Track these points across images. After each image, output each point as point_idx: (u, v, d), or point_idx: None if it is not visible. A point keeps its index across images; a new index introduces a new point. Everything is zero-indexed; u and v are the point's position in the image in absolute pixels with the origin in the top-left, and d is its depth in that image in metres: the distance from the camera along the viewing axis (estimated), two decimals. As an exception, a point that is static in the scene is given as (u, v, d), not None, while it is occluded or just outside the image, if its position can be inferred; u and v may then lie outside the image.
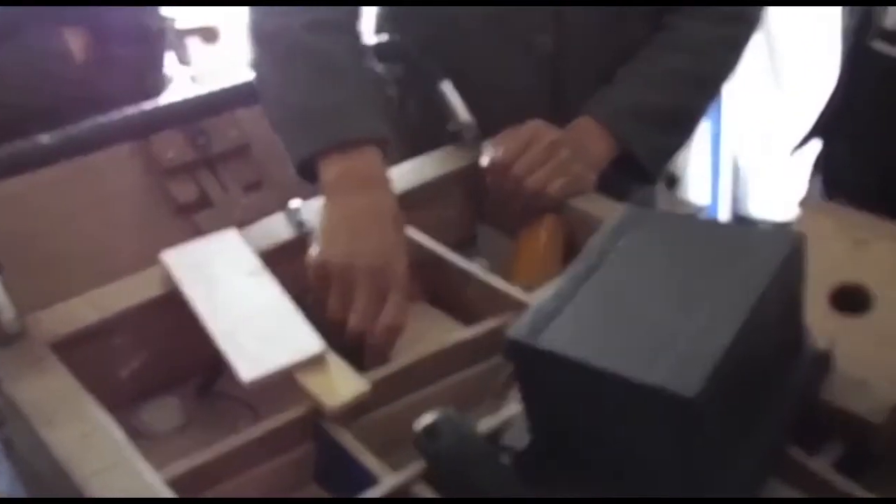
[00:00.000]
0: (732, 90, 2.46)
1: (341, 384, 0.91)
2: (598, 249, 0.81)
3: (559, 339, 0.73)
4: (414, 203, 1.15)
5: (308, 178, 1.11)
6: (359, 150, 1.06)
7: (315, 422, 0.91)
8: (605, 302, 0.76)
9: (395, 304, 0.99)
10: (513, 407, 0.86)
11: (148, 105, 1.24)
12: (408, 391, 0.96)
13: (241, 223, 1.12)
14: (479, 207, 1.26)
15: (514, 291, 1.03)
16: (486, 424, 0.86)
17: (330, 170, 1.05)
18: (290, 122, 1.10)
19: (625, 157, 1.23)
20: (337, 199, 1.05)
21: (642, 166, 1.24)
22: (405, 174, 1.21)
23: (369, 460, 0.87)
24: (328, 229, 1.03)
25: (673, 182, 2.74)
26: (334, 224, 1.03)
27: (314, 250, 1.01)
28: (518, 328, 0.75)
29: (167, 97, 1.33)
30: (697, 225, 0.87)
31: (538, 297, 0.90)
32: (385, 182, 1.06)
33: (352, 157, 1.05)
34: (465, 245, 1.22)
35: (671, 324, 0.71)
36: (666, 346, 0.69)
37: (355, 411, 0.92)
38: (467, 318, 1.06)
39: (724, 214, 2.80)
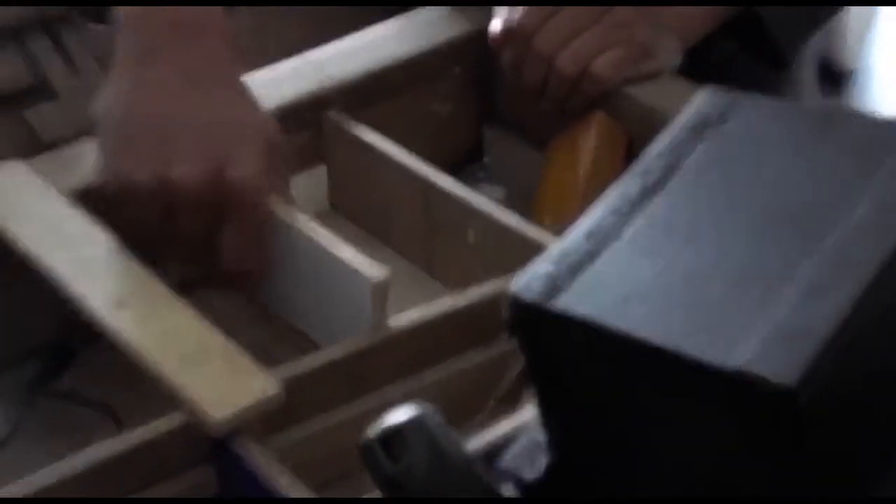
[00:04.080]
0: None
1: (229, 382, 0.72)
2: (661, 160, 0.68)
3: (591, 302, 0.61)
4: (385, 93, 0.97)
5: None
6: None
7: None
8: (664, 244, 0.65)
9: (240, 227, 0.79)
10: (525, 413, 0.71)
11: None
12: (355, 393, 0.78)
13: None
14: (489, 101, 1.06)
15: (544, 236, 0.85)
16: (480, 439, 0.70)
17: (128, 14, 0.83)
18: None
19: (747, 25, 0.96)
20: (131, 63, 0.81)
21: (769, 34, 0.96)
22: (371, 46, 0.99)
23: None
24: (110, 125, 0.80)
25: (838, 79, 2.40)
26: (120, 113, 0.80)
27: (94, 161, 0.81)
28: (527, 283, 0.61)
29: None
30: (828, 122, 0.71)
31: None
32: (215, 23, 0.84)
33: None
34: (465, 161, 1.06)
35: (763, 280, 0.62)
36: (754, 314, 0.60)
37: (265, 425, 0.73)
38: (467, 278, 0.87)
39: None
